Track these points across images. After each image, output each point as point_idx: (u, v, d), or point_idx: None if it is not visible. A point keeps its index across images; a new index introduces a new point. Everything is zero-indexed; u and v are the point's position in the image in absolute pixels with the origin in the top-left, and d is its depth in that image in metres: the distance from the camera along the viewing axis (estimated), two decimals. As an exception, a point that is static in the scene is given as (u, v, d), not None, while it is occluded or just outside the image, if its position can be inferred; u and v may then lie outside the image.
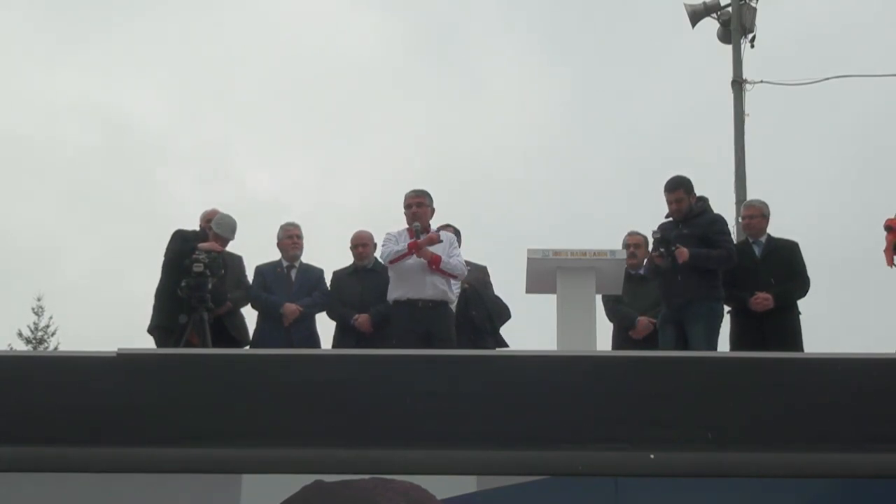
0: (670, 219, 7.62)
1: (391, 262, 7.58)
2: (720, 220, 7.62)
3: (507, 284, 8.18)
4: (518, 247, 7.16)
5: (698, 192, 7.65)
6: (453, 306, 7.81)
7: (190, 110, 39.55)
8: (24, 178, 37.38)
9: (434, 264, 7.51)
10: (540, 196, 34.48)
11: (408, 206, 7.69)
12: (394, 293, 7.60)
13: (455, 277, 7.69)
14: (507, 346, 7.88)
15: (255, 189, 36.99)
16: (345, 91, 36.37)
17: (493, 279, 8.32)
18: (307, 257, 8.33)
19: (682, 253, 7.25)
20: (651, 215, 7.77)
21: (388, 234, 7.71)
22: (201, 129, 38.42)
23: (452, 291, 7.71)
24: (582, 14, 35.44)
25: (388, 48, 38.07)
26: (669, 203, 7.57)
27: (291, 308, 7.89)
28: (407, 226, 7.66)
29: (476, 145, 34.52)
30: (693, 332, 7.26)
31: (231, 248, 8.06)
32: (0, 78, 35.10)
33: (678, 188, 7.54)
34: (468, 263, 8.11)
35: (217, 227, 7.87)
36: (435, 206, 7.78)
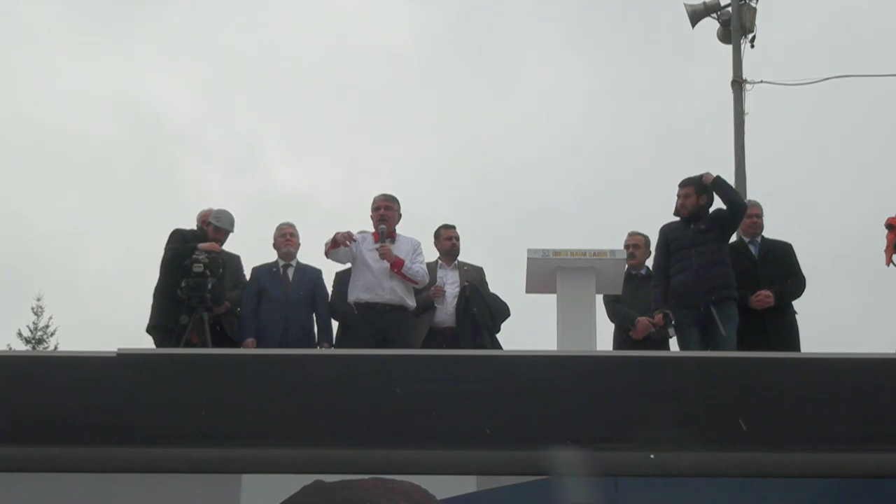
0: (676, 218, 7.64)
1: (325, 252, 7.71)
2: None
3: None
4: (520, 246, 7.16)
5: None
6: (439, 311, 7.85)
7: (219, 103, 39.33)
8: (50, 169, 37.27)
9: (396, 267, 7.60)
10: (541, 195, 34.47)
11: (376, 209, 7.83)
12: (353, 294, 7.66)
13: (416, 283, 7.76)
14: (500, 347, 7.87)
15: (282, 183, 36.84)
16: (374, 83, 36.18)
17: (505, 277, 8.33)
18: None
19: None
20: (651, 214, 7.81)
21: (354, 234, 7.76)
22: (230, 122, 38.22)
23: (412, 298, 7.75)
24: (580, 15, 35.46)
25: (419, 40, 37.98)
26: (678, 198, 7.61)
27: (250, 343, 7.76)
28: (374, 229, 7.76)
29: (492, 143, 34.43)
30: (725, 335, 7.20)
31: (235, 247, 8.09)
32: (30, 70, 35.02)
33: (689, 185, 7.59)
34: (465, 264, 8.14)
35: (217, 221, 7.93)
36: (402, 212, 7.89)
